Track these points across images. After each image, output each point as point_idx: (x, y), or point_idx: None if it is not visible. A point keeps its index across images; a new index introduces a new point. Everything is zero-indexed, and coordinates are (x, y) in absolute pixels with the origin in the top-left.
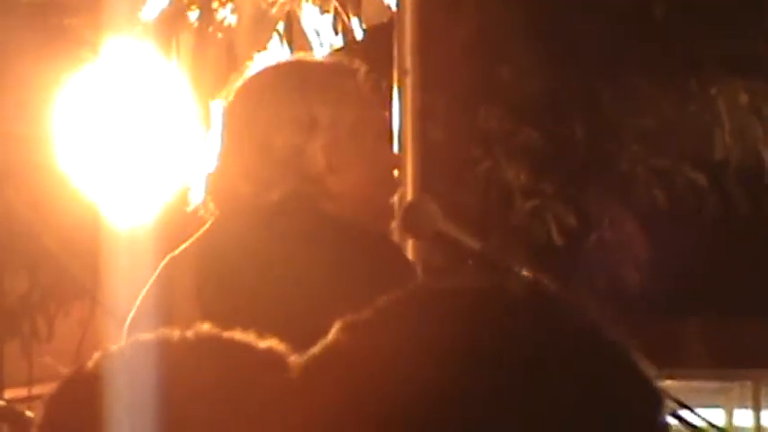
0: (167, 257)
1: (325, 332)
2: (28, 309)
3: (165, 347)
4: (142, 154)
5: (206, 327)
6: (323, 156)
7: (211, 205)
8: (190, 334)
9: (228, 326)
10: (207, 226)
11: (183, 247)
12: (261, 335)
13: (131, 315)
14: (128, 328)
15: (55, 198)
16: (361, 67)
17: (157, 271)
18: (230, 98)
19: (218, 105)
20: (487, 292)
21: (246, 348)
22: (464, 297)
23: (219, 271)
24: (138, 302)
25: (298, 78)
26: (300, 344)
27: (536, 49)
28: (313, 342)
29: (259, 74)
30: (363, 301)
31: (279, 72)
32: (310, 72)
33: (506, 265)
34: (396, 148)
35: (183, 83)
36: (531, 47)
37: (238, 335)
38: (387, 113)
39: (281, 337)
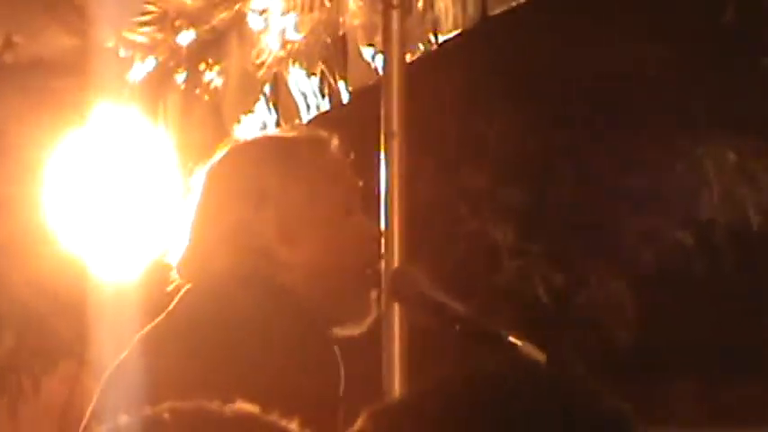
0: (139, 335)
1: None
2: (14, 367)
3: (203, 420)
4: (129, 214)
5: (242, 403)
6: (274, 227)
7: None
8: (228, 409)
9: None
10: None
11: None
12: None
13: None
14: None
15: (41, 258)
16: (333, 140)
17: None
18: (205, 171)
19: (196, 176)
20: (504, 379)
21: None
22: (484, 386)
23: (178, 341)
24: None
25: (254, 153)
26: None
27: (522, 108)
28: None
29: (229, 150)
30: None
31: (238, 149)
32: (269, 146)
33: (493, 330)
34: (377, 216)
35: (169, 144)
36: (518, 106)
37: (273, 416)
38: (356, 185)
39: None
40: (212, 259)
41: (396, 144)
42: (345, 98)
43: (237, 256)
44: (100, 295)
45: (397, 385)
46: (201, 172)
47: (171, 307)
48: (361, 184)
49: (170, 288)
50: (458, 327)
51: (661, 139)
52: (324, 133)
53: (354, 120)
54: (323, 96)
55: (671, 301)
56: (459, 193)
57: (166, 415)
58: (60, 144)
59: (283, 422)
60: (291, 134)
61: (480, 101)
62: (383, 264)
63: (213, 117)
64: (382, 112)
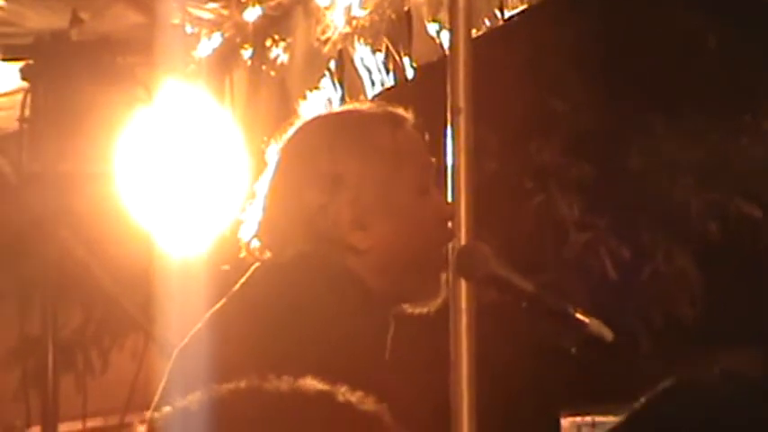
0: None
1: None
2: (82, 343)
3: (246, 398)
4: (196, 190)
5: (312, 381)
6: (349, 212)
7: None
8: (285, 386)
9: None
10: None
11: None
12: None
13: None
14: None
15: (108, 235)
16: (408, 117)
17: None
18: (278, 148)
19: (270, 152)
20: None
21: (353, 409)
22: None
23: (243, 324)
24: (178, 353)
25: (328, 134)
26: None
27: (589, 82)
28: None
29: (302, 126)
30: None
31: (312, 127)
32: (343, 126)
33: (560, 308)
34: (449, 195)
35: (236, 120)
36: (584, 80)
37: (316, 385)
38: (430, 163)
39: None
40: (284, 242)
41: (462, 120)
42: (410, 74)
43: (309, 243)
44: (167, 270)
45: (465, 363)
46: (275, 148)
47: (240, 285)
48: (434, 161)
49: (240, 262)
50: (525, 304)
51: (727, 113)
52: (399, 110)
53: (419, 96)
54: (387, 72)
55: (737, 275)
56: (526, 167)
57: (225, 394)
58: (129, 121)
59: (347, 396)
60: (366, 110)
61: (545, 76)
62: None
63: (279, 93)
64: (448, 88)
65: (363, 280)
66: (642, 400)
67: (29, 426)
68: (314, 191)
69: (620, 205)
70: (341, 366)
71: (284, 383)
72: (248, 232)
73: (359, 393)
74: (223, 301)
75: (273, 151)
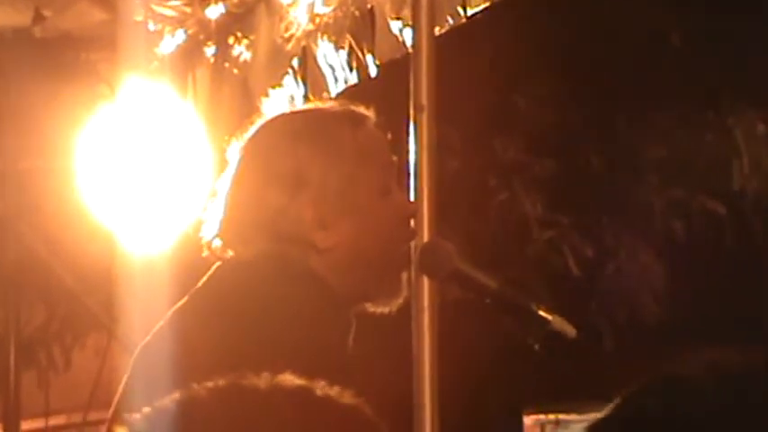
0: (174, 308)
1: None
2: (44, 340)
3: (225, 395)
4: (158, 187)
5: (290, 376)
6: (311, 212)
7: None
8: (263, 383)
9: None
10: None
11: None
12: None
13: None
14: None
15: (70, 231)
16: (370, 116)
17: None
18: (240, 146)
19: (232, 150)
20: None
21: (332, 403)
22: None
23: (205, 320)
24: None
25: (290, 133)
26: None
27: (552, 79)
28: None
29: (264, 125)
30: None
31: (274, 126)
32: (305, 125)
33: (524, 304)
34: (411, 193)
35: (198, 117)
36: (547, 77)
37: (294, 380)
38: (392, 162)
39: None
40: (246, 241)
41: (425, 117)
42: (374, 72)
43: (272, 242)
44: (129, 268)
45: (427, 361)
46: (236, 147)
47: (202, 283)
48: (396, 160)
49: (202, 260)
50: (488, 300)
51: (690, 110)
52: (361, 108)
53: (382, 93)
54: (351, 70)
55: (701, 273)
56: (489, 165)
57: (203, 393)
58: (91, 117)
59: (325, 390)
60: (328, 109)
61: (509, 74)
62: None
63: (242, 91)
64: (411, 86)
65: (325, 279)
66: (624, 394)
67: None
68: (275, 191)
69: (583, 203)
70: (304, 364)
71: (262, 380)
72: (210, 231)
73: (337, 387)
74: (185, 299)
75: (235, 149)
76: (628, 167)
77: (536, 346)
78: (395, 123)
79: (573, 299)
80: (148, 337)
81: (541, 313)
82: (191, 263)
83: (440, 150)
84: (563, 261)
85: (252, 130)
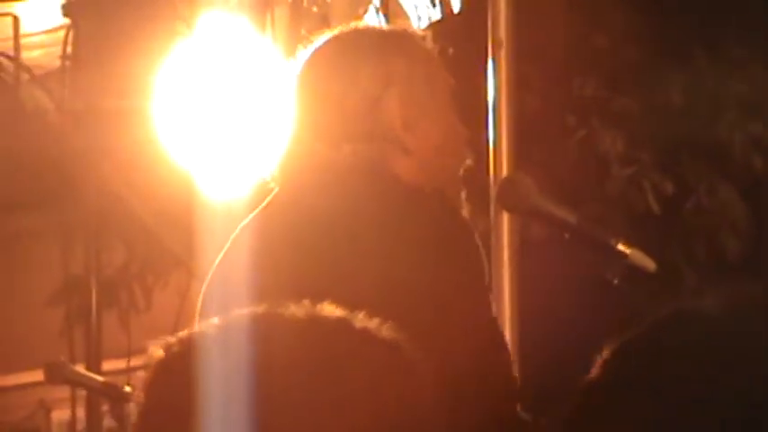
0: (240, 226)
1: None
2: (126, 280)
3: (262, 324)
4: (237, 128)
5: (330, 307)
6: (399, 109)
7: (280, 171)
8: (311, 313)
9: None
10: (276, 191)
11: (254, 213)
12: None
13: (208, 283)
14: (204, 296)
15: (150, 172)
16: (427, 36)
17: (231, 240)
18: (307, 61)
19: (293, 69)
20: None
21: (370, 336)
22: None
23: (290, 231)
24: (213, 270)
25: (375, 36)
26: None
27: (632, 16)
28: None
29: (334, 37)
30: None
31: (356, 33)
32: (387, 31)
33: (602, 238)
34: (491, 121)
35: (278, 57)
36: (627, 14)
37: (334, 312)
38: (451, 84)
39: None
40: (333, 141)
41: (503, 53)
42: (457, 7)
43: (362, 142)
44: (208, 206)
45: (507, 295)
46: (311, 60)
47: (284, 189)
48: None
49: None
50: (567, 235)
51: None
52: (421, 30)
53: (466, 29)
54: (434, 5)
55: None
56: (568, 102)
57: (243, 321)
58: (170, 56)
59: (364, 322)
60: (393, 27)
61: (589, 10)
62: (492, 173)
63: (321, 28)
64: (489, 22)
65: (411, 185)
66: (637, 328)
67: (73, 363)
68: (368, 84)
69: (662, 139)
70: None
71: (301, 310)
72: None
73: (377, 320)
74: (267, 204)
75: (306, 60)
76: (707, 103)
77: (615, 281)
78: (479, 59)
79: (653, 236)
80: (228, 245)
81: (620, 247)
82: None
83: (519, 88)
84: (643, 198)
85: (325, 42)
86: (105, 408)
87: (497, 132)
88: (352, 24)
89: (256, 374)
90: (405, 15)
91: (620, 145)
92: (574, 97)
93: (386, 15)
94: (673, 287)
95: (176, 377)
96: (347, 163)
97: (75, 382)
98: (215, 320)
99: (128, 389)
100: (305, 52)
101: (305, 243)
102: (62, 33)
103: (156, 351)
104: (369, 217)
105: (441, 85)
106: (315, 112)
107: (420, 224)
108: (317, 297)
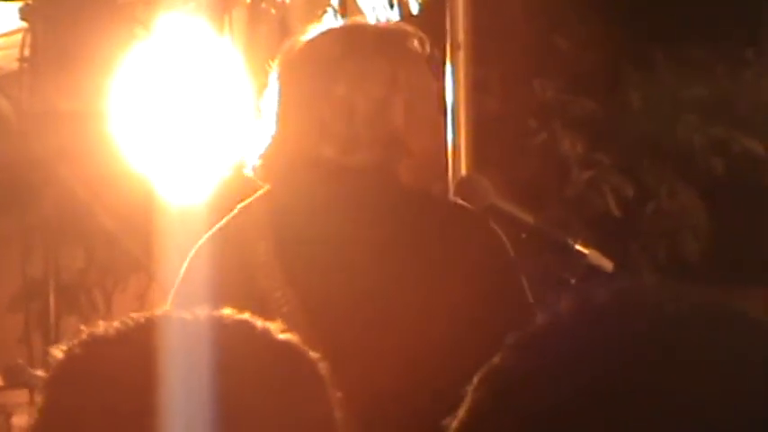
0: (230, 215)
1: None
2: (85, 285)
3: (164, 326)
4: (196, 130)
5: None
6: (402, 112)
7: (272, 168)
8: (187, 313)
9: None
10: (267, 187)
11: (241, 206)
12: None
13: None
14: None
15: (109, 175)
16: (417, 33)
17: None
18: (296, 59)
19: (278, 67)
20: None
21: (247, 327)
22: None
23: (297, 228)
24: (196, 266)
25: (376, 36)
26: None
27: (592, 19)
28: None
29: (327, 34)
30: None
31: (357, 30)
32: (387, 31)
33: (560, 238)
34: (449, 123)
35: (236, 59)
36: (588, 17)
37: (235, 314)
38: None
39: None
40: (346, 147)
41: (462, 56)
42: (415, 9)
43: (376, 146)
44: (168, 211)
45: None
46: (300, 58)
47: (264, 192)
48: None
49: (243, 200)
50: (524, 235)
51: (730, 47)
52: (409, 26)
53: (423, 32)
54: (392, 7)
55: (742, 211)
56: (529, 104)
57: (143, 323)
58: (128, 58)
59: (266, 325)
60: (388, 24)
61: (549, 12)
62: (450, 173)
63: (279, 30)
64: (447, 24)
65: (407, 186)
66: (540, 318)
67: (33, 368)
68: (372, 88)
69: (623, 142)
70: None
71: (203, 312)
72: (259, 151)
73: (276, 324)
74: (252, 199)
75: (284, 66)
76: (667, 106)
77: (572, 281)
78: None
79: (612, 238)
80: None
81: (578, 248)
82: (231, 203)
83: (479, 91)
84: (603, 201)
85: (316, 39)
86: None
87: (456, 135)
88: (350, 19)
89: (155, 377)
90: (363, 17)
91: (580, 148)
92: (534, 100)
93: (344, 17)
94: None
95: (77, 379)
96: (358, 169)
97: (35, 386)
98: (115, 324)
99: None
100: (298, 44)
101: (316, 246)
102: (20, 36)
103: (58, 353)
104: (380, 222)
105: (433, 86)
106: (318, 112)
107: (426, 227)
108: (322, 298)
